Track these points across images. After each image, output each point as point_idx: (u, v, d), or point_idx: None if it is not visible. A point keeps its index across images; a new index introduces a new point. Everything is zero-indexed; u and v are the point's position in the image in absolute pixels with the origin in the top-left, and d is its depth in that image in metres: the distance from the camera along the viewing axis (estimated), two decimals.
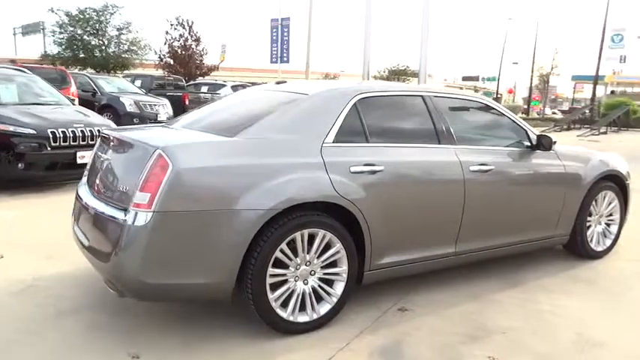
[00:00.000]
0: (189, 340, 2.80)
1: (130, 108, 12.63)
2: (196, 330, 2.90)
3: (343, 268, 2.99)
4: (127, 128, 3.74)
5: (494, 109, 3.89)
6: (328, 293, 2.97)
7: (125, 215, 2.58)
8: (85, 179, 3.46)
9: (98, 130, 6.83)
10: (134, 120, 12.58)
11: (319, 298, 2.95)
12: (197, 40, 26.93)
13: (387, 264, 3.18)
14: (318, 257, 2.91)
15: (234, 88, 17.89)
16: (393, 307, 3.28)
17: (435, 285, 3.63)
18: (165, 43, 26.54)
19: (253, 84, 20.91)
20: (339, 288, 3.00)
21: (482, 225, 3.57)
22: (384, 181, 3.08)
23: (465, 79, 69.35)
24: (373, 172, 3.04)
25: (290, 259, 2.82)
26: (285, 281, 2.84)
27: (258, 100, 3.46)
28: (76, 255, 4.01)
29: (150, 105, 13.05)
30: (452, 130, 3.49)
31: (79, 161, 6.62)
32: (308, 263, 2.89)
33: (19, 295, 3.32)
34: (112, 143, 3.07)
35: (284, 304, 2.84)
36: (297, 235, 2.80)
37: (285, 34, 26.85)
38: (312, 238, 2.87)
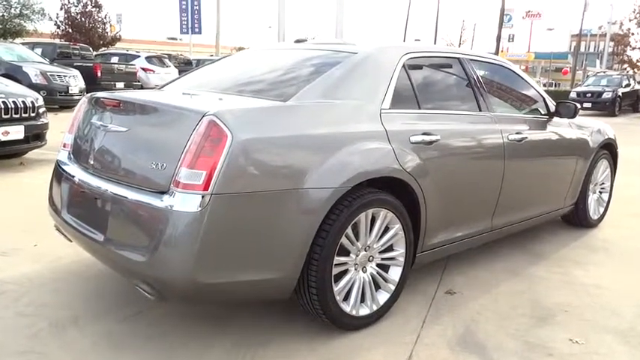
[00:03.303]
0: (239, 344, 2.31)
1: (36, 79, 11.16)
2: (245, 332, 2.41)
3: (400, 251, 2.63)
4: (127, 92, 3.04)
5: (516, 73, 3.69)
6: (386, 280, 2.61)
7: (166, 200, 2.02)
8: (65, 154, 2.77)
9: (23, 102, 5.86)
10: (41, 93, 11.14)
11: (377, 287, 2.59)
12: (98, 7, 24.51)
13: (436, 244, 2.88)
14: (378, 241, 2.54)
15: (149, 59, 16.56)
16: (439, 291, 3.00)
17: (466, 263, 3.40)
18: (61, 8, 23.83)
19: (169, 56, 19.59)
20: (395, 274, 2.64)
21: (515, 197, 3.38)
22: (439, 151, 2.75)
23: None
24: (430, 143, 2.69)
25: (352, 245, 2.42)
26: (346, 271, 2.44)
27: (291, 58, 2.93)
28: (36, 250, 3.33)
29: (59, 76, 11.64)
30: (488, 96, 3.23)
31: (2, 138, 5.59)
32: (367, 248, 2.50)
33: None
34: (118, 109, 2.43)
35: (345, 297, 2.44)
36: (362, 216, 2.40)
37: (196, 2, 25.35)
38: (372, 220, 2.48)
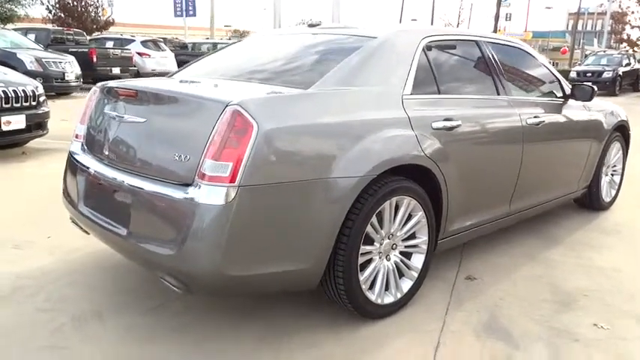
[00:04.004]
0: (265, 336, 2.30)
1: (31, 66, 10.97)
2: (270, 323, 2.40)
3: (423, 239, 2.61)
4: (139, 81, 2.98)
5: (532, 55, 3.63)
6: (409, 268, 2.58)
7: (191, 192, 1.98)
8: (78, 145, 2.72)
9: (23, 91, 5.77)
10: (36, 80, 11.00)
11: (400, 275, 2.57)
12: None
13: (457, 230, 2.86)
14: (401, 228, 2.51)
15: (145, 43, 16.34)
16: (459, 277, 2.98)
17: (483, 248, 3.38)
18: None
19: (164, 39, 19.32)
20: (418, 261, 2.62)
21: (532, 181, 3.35)
22: (460, 137, 2.71)
23: None
24: (451, 128, 2.65)
25: (377, 234, 2.39)
26: (371, 260, 2.41)
27: (308, 44, 2.86)
28: (50, 243, 3.29)
29: (55, 62, 11.45)
30: (506, 79, 3.18)
31: (4, 128, 5.50)
32: (390, 236, 2.47)
33: (10, 300, 2.57)
34: (134, 99, 2.37)
35: (370, 286, 2.42)
36: (387, 204, 2.36)
37: None
38: (396, 208, 2.45)
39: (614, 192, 4.49)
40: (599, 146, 4.01)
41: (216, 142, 1.96)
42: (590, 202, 4.25)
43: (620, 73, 18.40)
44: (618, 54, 21.37)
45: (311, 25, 3.14)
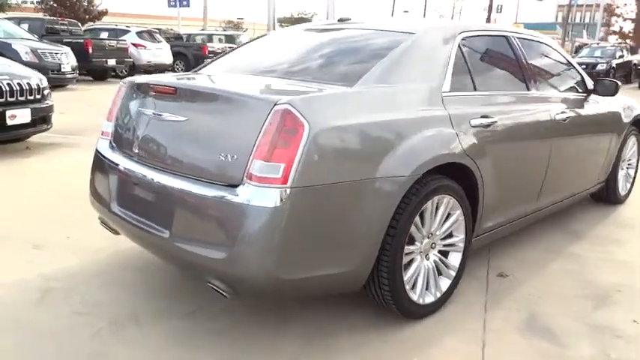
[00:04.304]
0: (311, 337, 2.27)
1: (27, 57, 10.74)
2: (313, 324, 2.37)
3: (460, 237, 2.59)
4: (172, 76, 2.91)
5: (556, 50, 3.61)
6: (447, 266, 2.57)
7: (241, 194, 1.93)
8: (106, 143, 2.66)
9: (28, 84, 5.65)
10: None
11: (438, 273, 2.55)
12: None
13: (490, 227, 2.85)
14: (440, 227, 2.49)
15: (140, 34, 16.11)
16: (491, 274, 2.98)
17: (510, 244, 3.37)
18: None
19: (159, 30, 19.06)
20: (455, 259, 2.60)
21: (558, 177, 3.34)
22: (496, 134, 2.69)
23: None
24: (487, 125, 2.63)
25: (419, 233, 2.36)
26: (413, 260, 2.39)
27: (343, 39, 2.81)
28: (71, 242, 3.23)
29: (50, 53, 11.25)
30: (534, 75, 3.17)
31: (9, 122, 5.39)
32: (430, 235, 2.45)
33: (46, 303, 2.51)
34: (173, 96, 2.31)
35: (412, 286, 2.40)
36: (429, 203, 2.34)
37: None
38: (436, 206, 2.43)
39: (629, 185, 4.51)
40: (619, 140, 4.01)
41: (266, 143, 1.92)
42: (607, 195, 4.26)
43: (614, 65, 18.50)
44: (612, 46, 21.50)
45: (341, 20, 3.08)
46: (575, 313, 2.57)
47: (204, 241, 2.04)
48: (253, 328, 2.34)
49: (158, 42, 16.34)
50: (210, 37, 19.74)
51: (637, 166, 4.57)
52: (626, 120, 4.05)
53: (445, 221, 2.49)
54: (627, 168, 4.47)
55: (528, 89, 3.07)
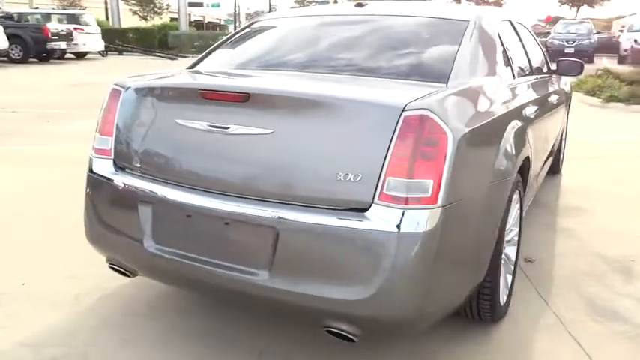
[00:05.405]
0: (416, 352, 2.02)
1: None
2: (411, 348, 2.11)
3: (516, 230, 2.51)
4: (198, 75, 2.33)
5: (529, 32, 3.68)
6: (510, 261, 2.48)
7: (375, 220, 1.59)
8: (107, 163, 2.07)
9: None
10: None
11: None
12: None
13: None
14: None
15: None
16: (519, 260, 2.97)
17: None
18: None
19: None
20: (513, 253, 2.53)
21: (539, 158, 3.44)
22: (534, 121, 2.65)
23: (190, 4, 66.47)
24: (529, 114, 2.57)
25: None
26: None
27: (392, 29, 2.43)
28: (30, 289, 2.54)
29: None
30: (531, 58, 3.19)
31: None
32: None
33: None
34: (241, 103, 1.80)
35: None
36: (512, 201, 2.21)
37: None
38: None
39: (561, 156, 4.88)
40: (566, 113, 4.30)
41: (404, 156, 1.59)
42: (552, 166, 4.54)
43: (596, 39, 19.42)
44: (585, 21, 21.92)
45: (359, 5, 2.70)
46: (617, 289, 2.66)
47: (324, 279, 1.65)
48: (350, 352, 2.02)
49: (89, 26, 13.96)
50: (48, 17, 17.15)
51: (565, 136, 4.96)
52: (568, 93, 4.34)
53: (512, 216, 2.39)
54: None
55: (532, 73, 3.08)
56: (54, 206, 3.65)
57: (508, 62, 2.52)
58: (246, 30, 2.76)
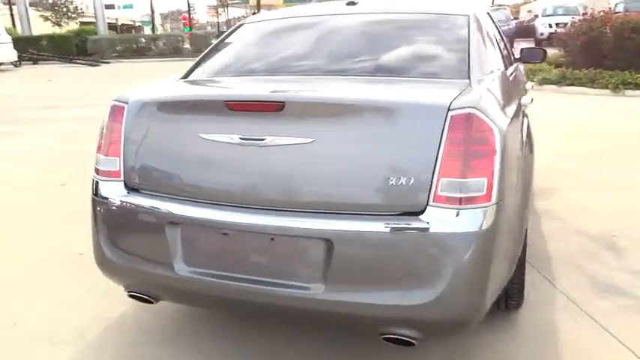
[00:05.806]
0: (455, 352, 2.03)
1: None
2: (453, 348, 2.12)
3: None
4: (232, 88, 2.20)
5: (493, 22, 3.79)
6: None
7: (431, 221, 1.57)
8: (117, 185, 1.93)
9: None
10: None
11: None
12: None
13: None
14: None
15: None
16: None
17: None
18: None
19: None
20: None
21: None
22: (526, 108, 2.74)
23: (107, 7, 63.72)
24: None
25: None
26: None
27: (395, 27, 2.39)
28: (23, 328, 2.33)
29: None
30: (503, 48, 3.28)
31: None
32: None
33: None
34: (264, 113, 1.73)
35: None
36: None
37: None
38: None
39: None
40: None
41: (455, 156, 1.58)
42: None
43: (514, 25, 19.70)
44: (502, 8, 22.20)
45: (350, 3, 2.64)
46: (610, 264, 2.81)
47: (382, 286, 1.62)
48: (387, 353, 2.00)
49: None
50: None
51: None
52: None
53: None
54: None
55: (511, 62, 3.18)
56: (15, 235, 3.35)
57: (500, 53, 2.58)
58: (239, 33, 2.64)
